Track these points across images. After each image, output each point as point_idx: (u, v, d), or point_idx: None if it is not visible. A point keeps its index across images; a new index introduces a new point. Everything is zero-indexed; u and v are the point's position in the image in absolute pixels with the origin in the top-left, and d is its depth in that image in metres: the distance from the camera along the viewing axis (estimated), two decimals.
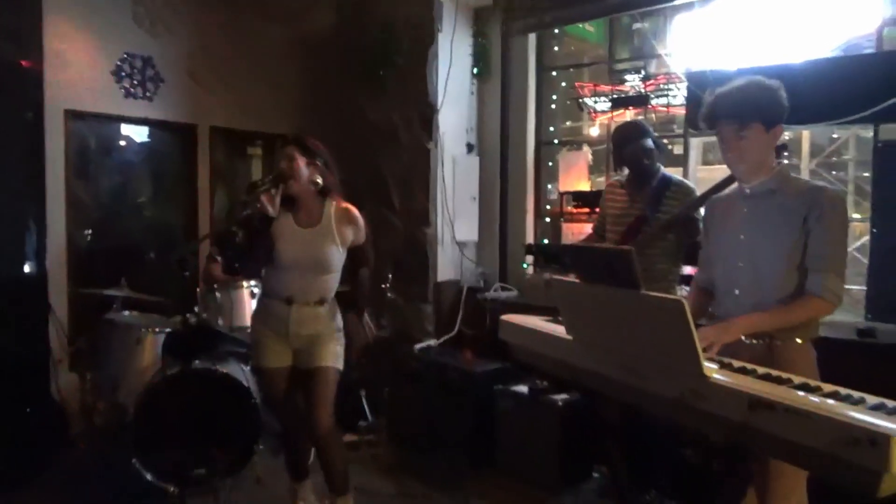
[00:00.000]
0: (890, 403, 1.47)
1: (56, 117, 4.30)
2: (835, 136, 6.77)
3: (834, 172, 6.93)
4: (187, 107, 4.94)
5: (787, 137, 5.75)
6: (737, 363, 1.83)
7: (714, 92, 2.11)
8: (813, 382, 1.64)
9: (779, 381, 1.66)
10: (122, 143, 4.98)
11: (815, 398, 1.48)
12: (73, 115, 4.42)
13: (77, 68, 4.41)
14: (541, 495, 3.44)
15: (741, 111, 2.01)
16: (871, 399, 1.50)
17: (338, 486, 2.87)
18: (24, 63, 3.99)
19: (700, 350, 1.60)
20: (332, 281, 2.90)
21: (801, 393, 1.53)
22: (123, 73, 4.61)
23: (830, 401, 1.47)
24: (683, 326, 1.60)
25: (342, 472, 2.88)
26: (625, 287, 1.77)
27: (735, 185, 2.26)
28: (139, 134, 5.03)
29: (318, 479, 3.09)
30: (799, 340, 2.05)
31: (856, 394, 1.55)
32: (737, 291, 2.13)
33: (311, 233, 2.83)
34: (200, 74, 4.97)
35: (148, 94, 4.73)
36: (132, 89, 4.67)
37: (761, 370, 1.75)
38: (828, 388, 1.60)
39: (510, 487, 3.57)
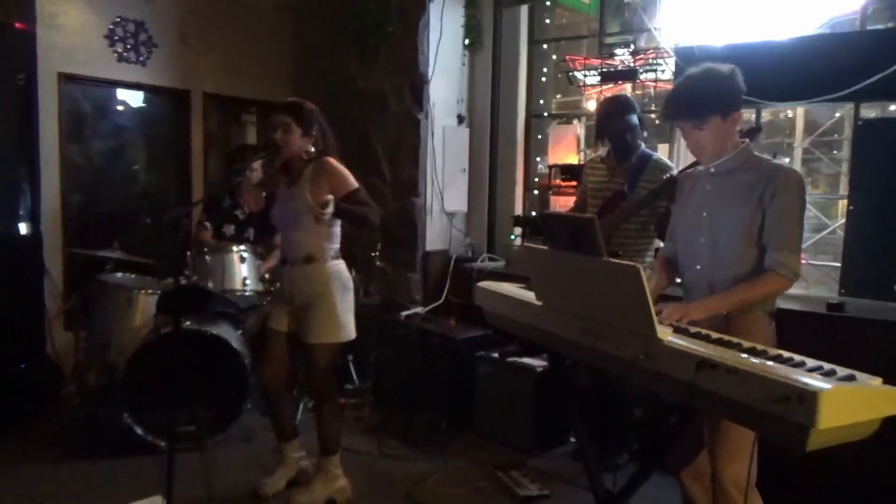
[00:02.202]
0: (827, 366, 1.55)
1: (49, 80, 4.33)
2: (836, 114, 6.79)
3: (835, 152, 6.95)
4: (180, 72, 4.96)
5: (789, 115, 5.72)
6: (693, 329, 1.91)
7: (672, 88, 2.16)
8: (760, 347, 1.72)
9: (729, 345, 1.74)
10: (116, 107, 5.01)
11: (756, 360, 1.56)
12: (66, 79, 4.44)
13: (70, 31, 4.43)
14: (517, 457, 3.56)
15: (696, 109, 2.06)
16: (811, 362, 1.58)
17: (325, 448, 3.00)
18: (16, 25, 4.00)
19: (654, 314, 1.69)
20: (315, 236, 2.86)
21: (744, 355, 1.61)
22: (116, 37, 4.63)
23: (770, 362, 1.55)
24: (639, 291, 1.68)
25: (332, 437, 2.99)
26: (588, 254, 1.85)
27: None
28: (133, 99, 5.05)
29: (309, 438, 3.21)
30: (757, 313, 2.12)
31: (798, 357, 1.63)
32: (698, 266, 2.20)
33: (292, 190, 2.90)
34: (192, 40, 4.98)
35: (141, 58, 4.75)
36: (125, 53, 4.68)
37: (715, 335, 1.83)
38: (774, 352, 1.68)
39: (487, 449, 3.69)
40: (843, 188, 6.63)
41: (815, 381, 1.38)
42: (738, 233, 2.09)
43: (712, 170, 2.19)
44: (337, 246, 2.95)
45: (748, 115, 3.72)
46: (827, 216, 4.45)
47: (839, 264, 3.68)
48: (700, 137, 2.11)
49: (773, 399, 1.40)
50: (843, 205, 6.20)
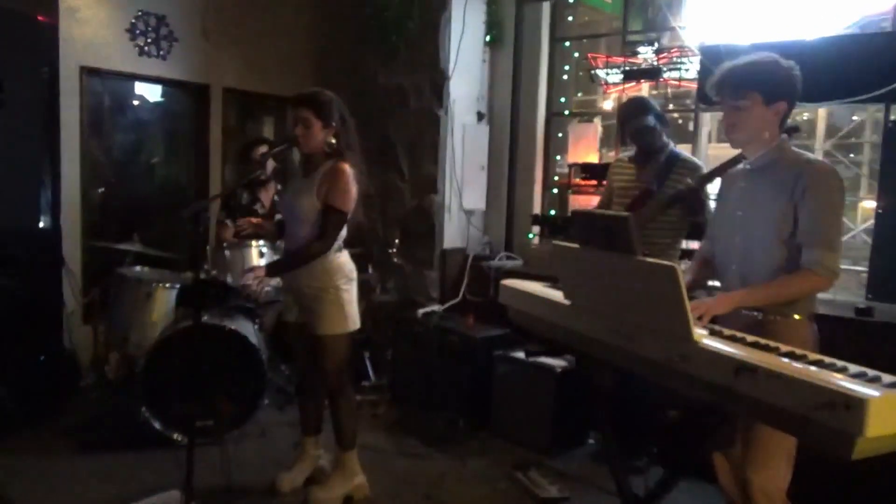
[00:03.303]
0: (871, 372, 1.50)
1: (71, 74, 4.34)
2: (854, 118, 6.72)
3: (851, 155, 6.88)
4: (201, 67, 4.96)
5: (805, 116, 5.68)
6: (727, 331, 1.87)
7: (726, 63, 2.12)
8: (799, 351, 1.68)
9: (766, 348, 1.70)
10: (136, 101, 5.02)
11: (798, 364, 1.53)
12: (88, 72, 4.45)
13: (92, 25, 4.44)
14: (535, 457, 3.53)
15: (740, 80, 2.04)
16: (854, 368, 1.54)
17: (342, 442, 2.99)
18: (39, 18, 4.01)
19: (690, 315, 1.65)
20: (317, 233, 2.82)
21: (785, 360, 1.58)
22: (138, 31, 4.63)
23: (812, 367, 1.51)
24: (676, 292, 1.65)
25: (348, 430, 2.98)
26: (622, 252, 1.81)
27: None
28: (153, 93, 5.06)
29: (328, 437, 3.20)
30: (796, 316, 2.07)
31: (840, 362, 1.59)
32: (734, 266, 2.17)
33: (304, 182, 2.86)
34: (214, 34, 4.98)
35: (162, 52, 4.75)
36: (146, 47, 4.69)
37: (751, 338, 1.79)
38: (814, 356, 1.64)
39: (505, 449, 3.66)
40: (864, 191, 6.58)
41: (861, 388, 1.34)
42: (771, 231, 2.04)
43: (748, 166, 2.15)
44: (341, 239, 2.91)
45: None
46: (847, 220, 4.38)
47: (860, 268, 3.62)
48: (737, 118, 2.07)
49: (817, 405, 1.36)
50: (861, 208, 6.16)
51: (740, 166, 2.24)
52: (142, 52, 4.67)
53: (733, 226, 2.16)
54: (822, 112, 6.05)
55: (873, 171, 6.03)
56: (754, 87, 2.02)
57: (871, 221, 3.97)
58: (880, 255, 3.26)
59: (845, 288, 3.73)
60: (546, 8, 4.76)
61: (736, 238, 2.15)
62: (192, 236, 2.56)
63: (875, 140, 6.37)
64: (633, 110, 3.30)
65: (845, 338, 3.01)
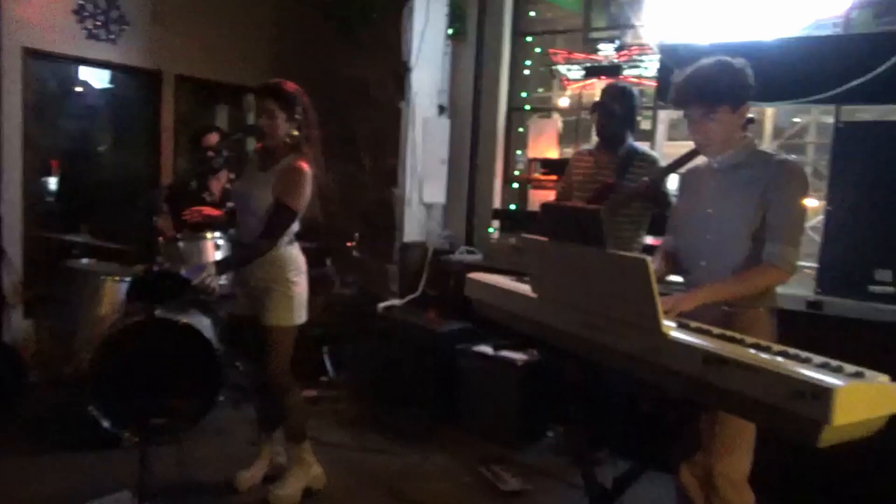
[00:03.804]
0: (834, 363, 1.54)
1: (13, 55, 4.14)
2: (796, 119, 6.97)
3: (794, 156, 7.12)
4: (152, 52, 4.79)
5: (752, 115, 5.85)
6: (694, 324, 1.90)
7: (682, 73, 2.14)
8: (764, 343, 1.71)
9: (732, 340, 1.73)
10: (84, 86, 4.81)
11: (765, 355, 1.55)
12: (31, 54, 4.24)
13: (36, 5, 4.23)
14: (498, 451, 3.53)
15: (710, 96, 2.05)
16: (818, 358, 1.58)
17: (291, 435, 2.96)
18: None
19: (660, 307, 1.66)
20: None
21: (752, 351, 1.60)
22: (86, 13, 4.43)
23: (779, 358, 1.54)
24: (645, 284, 1.65)
25: (296, 423, 2.94)
26: (591, 245, 1.81)
27: (705, 158, 2.30)
28: (102, 78, 4.86)
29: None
30: (761, 309, 2.12)
31: (803, 353, 1.62)
32: (703, 263, 2.19)
33: (262, 175, 2.81)
34: (166, 18, 4.80)
35: (111, 36, 4.56)
36: (95, 30, 4.49)
37: (717, 330, 1.82)
38: (778, 348, 1.68)
39: (469, 443, 3.65)
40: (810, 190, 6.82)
41: (828, 378, 1.37)
42: (744, 229, 2.08)
43: (716, 165, 2.18)
44: (292, 233, 2.88)
45: None
46: None
47: (807, 263, 3.74)
48: (709, 129, 2.10)
49: (786, 395, 1.39)
50: (811, 208, 6.37)
51: (705, 164, 2.27)
52: (90, 35, 4.47)
53: (703, 223, 2.18)
54: (768, 112, 6.24)
55: (816, 171, 6.26)
56: (725, 101, 2.05)
57: (818, 219, 4.13)
58: (830, 250, 3.38)
59: (795, 282, 3.85)
60: (509, 2, 4.76)
61: (707, 235, 2.17)
62: (146, 226, 2.47)
63: (818, 142, 6.62)
64: (613, 90, 3.36)
65: (797, 330, 3.09)
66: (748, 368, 1.47)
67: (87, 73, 4.77)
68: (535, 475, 3.29)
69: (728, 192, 2.14)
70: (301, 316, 2.88)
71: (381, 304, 4.34)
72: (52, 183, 4.62)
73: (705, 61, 2.10)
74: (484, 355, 3.75)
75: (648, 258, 1.68)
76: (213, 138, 3.86)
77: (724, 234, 2.13)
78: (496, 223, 4.80)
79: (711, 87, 2.04)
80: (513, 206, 4.88)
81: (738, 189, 2.11)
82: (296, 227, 2.88)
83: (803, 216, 2.08)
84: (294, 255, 2.88)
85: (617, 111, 3.28)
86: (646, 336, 1.69)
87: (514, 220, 4.66)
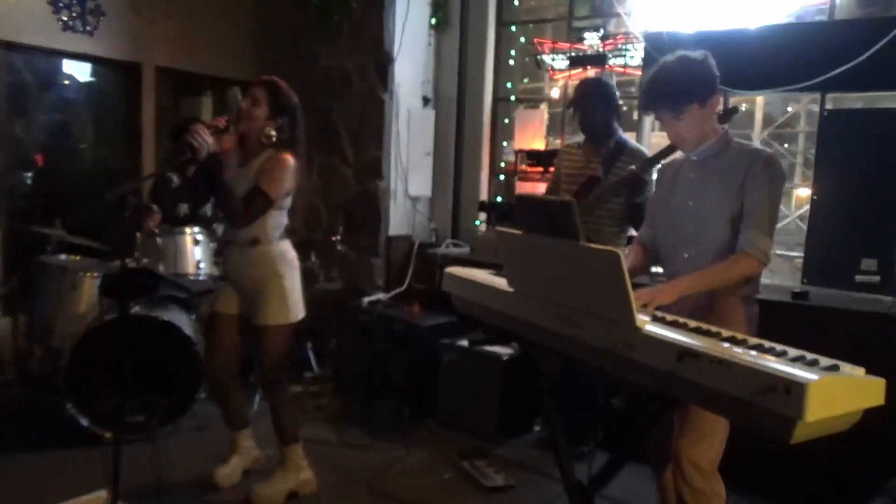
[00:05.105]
0: (809, 356, 1.51)
1: None
2: (788, 109, 6.95)
3: (786, 145, 7.12)
4: (131, 44, 4.70)
5: (743, 108, 5.79)
6: (670, 317, 1.86)
7: (646, 75, 2.13)
8: (740, 336, 1.68)
9: (708, 333, 1.69)
10: (62, 79, 4.73)
11: (738, 349, 1.51)
12: (5, 47, 4.15)
13: None
14: (481, 446, 3.50)
15: (676, 98, 2.03)
16: (793, 352, 1.54)
17: (282, 437, 2.89)
18: None
19: (633, 302, 1.62)
20: (261, 224, 2.72)
21: (726, 345, 1.57)
22: (61, 4, 4.34)
23: (753, 352, 1.50)
24: (618, 278, 1.61)
25: (287, 424, 2.87)
26: (565, 238, 1.77)
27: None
28: (80, 71, 4.78)
29: (263, 427, 3.09)
30: (736, 297, 2.11)
31: (779, 347, 1.59)
32: (686, 255, 2.17)
33: (240, 171, 2.76)
34: (145, 9, 4.72)
35: (88, 27, 4.47)
36: (71, 22, 4.40)
37: (693, 324, 1.79)
38: (754, 341, 1.64)
39: (451, 438, 3.62)
40: (798, 179, 6.81)
41: (801, 372, 1.33)
42: (724, 220, 2.07)
43: (694, 157, 2.17)
44: (283, 227, 2.84)
45: None
46: (782, 207, 4.51)
47: (795, 254, 3.71)
48: (680, 127, 2.09)
49: (758, 390, 1.35)
50: (796, 196, 6.37)
51: (683, 157, 2.26)
52: (66, 27, 4.38)
53: (683, 215, 2.17)
54: (759, 101, 6.21)
55: (807, 160, 6.24)
56: (691, 100, 2.03)
57: (806, 208, 4.10)
58: (815, 240, 3.35)
59: (781, 273, 3.83)
60: None
61: (688, 227, 2.16)
62: (117, 221, 2.40)
63: (808, 130, 6.60)
64: (589, 87, 3.32)
65: (782, 321, 3.06)
66: (721, 363, 1.44)
67: (65, 67, 4.69)
68: (518, 470, 3.26)
69: (707, 184, 2.13)
70: (297, 313, 2.82)
71: (366, 299, 4.30)
72: (30, 178, 4.54)
73: (667, 59, 2.08)
74: (467, 350, 3.71)
75: (621, 251, 1.64)
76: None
77: (705, 224, 2.12)
78: (482, 216, 4.75)
79: (677, 88, 2.02)
80: (499, 199, 4.83)
81: (716, 180, 2.10)
82: (286, 220, 2.84)
83: (777, 206, 2.07)
84: (285, 250, 2.83)
85: (595, 106, 3.24)
86: (620, 330, 1.66)
87: (500, 213, 4.61)
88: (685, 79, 2.02)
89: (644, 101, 2.15)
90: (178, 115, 5.20)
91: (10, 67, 4.26)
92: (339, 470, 3.18)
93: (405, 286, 4.58)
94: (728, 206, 2.06)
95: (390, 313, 4.05)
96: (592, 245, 1.71)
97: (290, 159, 2.71)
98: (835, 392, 1.34)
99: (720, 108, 2.21)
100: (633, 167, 3.06)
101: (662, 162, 2.58)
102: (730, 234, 2.07)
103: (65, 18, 4.37)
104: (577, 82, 3.67)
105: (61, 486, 2.80)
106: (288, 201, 2.82)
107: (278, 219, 2.81)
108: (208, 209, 3.94)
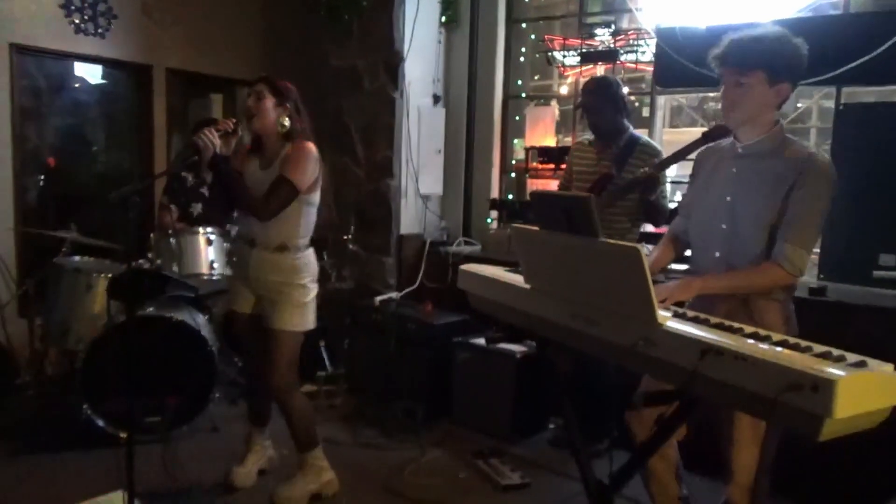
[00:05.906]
0: (836, 352, 1.48)
1: (0, 51, 4.07)
2: (798, 105, 6.90)
3: (796, 139, 7.07)
4: (142, 46, 4.72)
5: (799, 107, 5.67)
6: (691, 313, 1.84)
7: (737, 34, 2.02)
8: (764, 332, 1.65)
9: (731, 330, 1.67)
10: (73, 82, 4.75)
11: (763, 346, 1.50)
12: (18, 50, 4.18)
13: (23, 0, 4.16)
14: (496, 445, 3.48)
15: (745, 56, 1.95)
16: (819, 348, 1.52)
17: (299, 444, 2.87)
18: None
19: (654, 298, 1.60)
20: (290, 225, 2.73)
21: (750, 341, 1.54)
22: (73, 7, 4.36)
23: (778, 348, 1.48)
24: (639, 274, 1.60)
25: (301, 430, 2.84)
26: (583, 234, 1.75)
27: (730, 140, 2.17)
28: (91, 74, 4.79)
29: (277, 426, 3.09)
30: (773, 299, 2.05)
31: (804, 343, 1.56)
32: (717, 253, 2.10)
33: (265, 174, 2.75)
34: (156, 12, 4.74)
35: (100, 30, 4.49)
36: (83, 25, 4.42)
37: (715, 320, 1.76)
38: (778, 337, 1.62)
39: (466, 437, 3.61)
40: None
41: (829, 369, 1.31)
42: (763, 224, 1.99)
43: (740, 149, 2.08)
44: (309, 235, 2.83)
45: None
46: None
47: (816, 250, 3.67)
48: (738, 95, 1.98)
49: (784, 387, 1.33)
50: None
51: (727, 146, 2.15)
52: (78, 30, 4.40)
53: (719, 210, 2.09)
54: None
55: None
56: (760, 66, 1.93)
57: None
58: (832, 235, 3.31)
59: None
60: None
61: (721, 224, 2.08)
62: (123, 223, 2.41)
63: (820, 126, 6.55)
64: (594, 86, 3.31)
65: (800, 316, 3.04)
66: (745, 360, 1.42)
67: (77, 69, 4.71)
68: (534, 468, 3.25)
69: (749, 182, 2.03)
70: (310, 322, 2.82)
71: (378, 298, 4.29)
72: (44, 181, 4.56)
73: (761, 27, 1.99)
74: (481, 348, 3.70)
75: (642, 247, 1.62)
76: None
77: (741, 224, 2.04)
78: (494, 213, 4.73)
79: (752, 49, 1.93)
80: (510, 196, 4.82)
81: (761, 181, 2.01)
82: (314, 220, 2.83)
83: (822, 219, 1.98)
84: (311, 261, 2.83)
85: (602, 106, 3.22)
86: (641, 327, 1.64)
87: (511, 210, 4.60)
88: (764, 45, 1.93)
89: (719, 54, 2.01)
90: (188, 117, 5.22)
91: (23, 70, 4.28)
92: (353, 470, 3.18)
93: (417, 285, 4.57)
94: (768, 212, 1.97)
95: (403, 312, 4.04)
96: (612, 241, 1.69)
97: (310, 146, 2.71)
98: (863, 389, 1.31)
99: (784, 104, 2.07)
100: (647, 169, 3.02)
101: (694, 153, 2.51)
102: (766, 239, 1.99)
103: (77, 21, 4.39)
104: (585, 80, 3.65)
105: (78, 487, 2.81)
106: (316, 197, 2.79)
107: (307, 218, 2.78)
108: (198, 208, 3.94)
